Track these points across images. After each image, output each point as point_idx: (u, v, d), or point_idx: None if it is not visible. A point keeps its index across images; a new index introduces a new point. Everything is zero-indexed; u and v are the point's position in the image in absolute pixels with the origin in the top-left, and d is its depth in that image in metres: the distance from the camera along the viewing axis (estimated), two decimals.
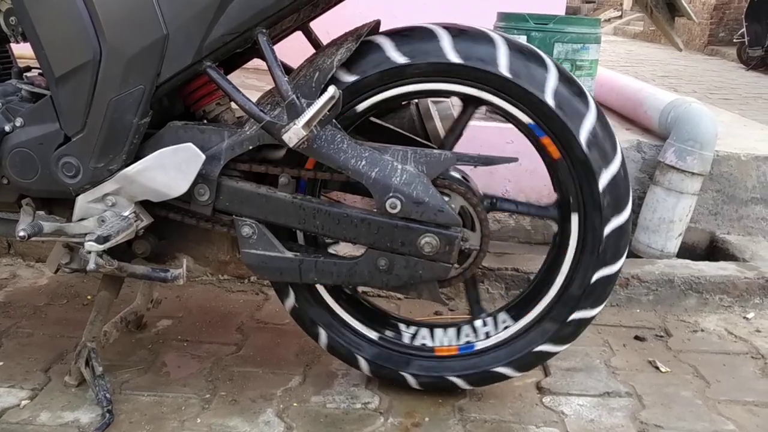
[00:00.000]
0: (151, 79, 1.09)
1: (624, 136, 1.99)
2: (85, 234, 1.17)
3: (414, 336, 1.31)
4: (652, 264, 1.78)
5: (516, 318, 1.26)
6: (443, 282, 1.18)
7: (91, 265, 1.11)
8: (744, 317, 1.70)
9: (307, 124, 1.04)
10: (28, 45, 1.14)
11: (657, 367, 1.47)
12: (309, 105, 1.06)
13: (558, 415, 1.28)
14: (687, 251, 1.97)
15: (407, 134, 1.31)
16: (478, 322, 1.28)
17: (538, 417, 1.28)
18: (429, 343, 1.30)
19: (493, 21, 2.05)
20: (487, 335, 1.28)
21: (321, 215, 1.14)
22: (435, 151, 1.14)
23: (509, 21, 1.95)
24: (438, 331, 1.31)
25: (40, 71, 1.23)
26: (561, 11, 2.41)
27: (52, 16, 1.09)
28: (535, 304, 1.25)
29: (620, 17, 15.03)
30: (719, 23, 9.52)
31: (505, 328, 1.27)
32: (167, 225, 1.22)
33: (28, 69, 1.28)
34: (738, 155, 1.93)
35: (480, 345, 1.28)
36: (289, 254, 1.17)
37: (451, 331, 1.30)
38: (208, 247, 1.26)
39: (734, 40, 8.10)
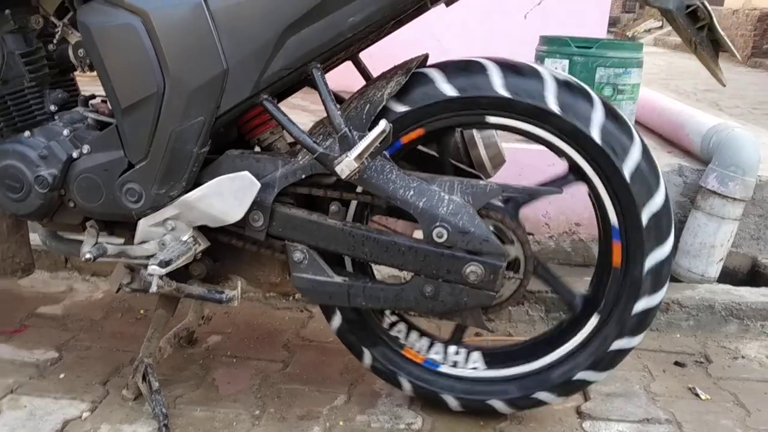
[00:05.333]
0: (211, 111, 1.15)
1: (665, 160, 2.00)
2: (146, 256, 1.24)
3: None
4: (692, 289, 1.79)
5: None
6: (487, 309, 1.22)
7: (153, 288, 1.18)
8: None
9: (359, 156, 1.09)
10: None
11: (697, 394, 1.48)
12: (361, 138, 1.10)
13: None
14: (728, 276, 1.97)
15: (452, 161, 1.35)
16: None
17: None
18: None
19: (535, 44, 2.09)
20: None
21: (369, 242, 1.18)
22: (481, 182, 1.17)
23: (551, 45, 1.98)
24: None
25: (104, 98, 1.30)
26: (602, 33, 2.44)
27: (120, 51, 1.15)
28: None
29: (660, 27, 14.83)
30: (763, 35, 9.35)
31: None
32: (222, 248, 1.28)
33: (93, 97, 1.35)
34: None
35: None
36: (338, 279, 1.22)
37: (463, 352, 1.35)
38: (260, 269, 1.32)
39: None
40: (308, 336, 1.66)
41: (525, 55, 1.97)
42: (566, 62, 1.93)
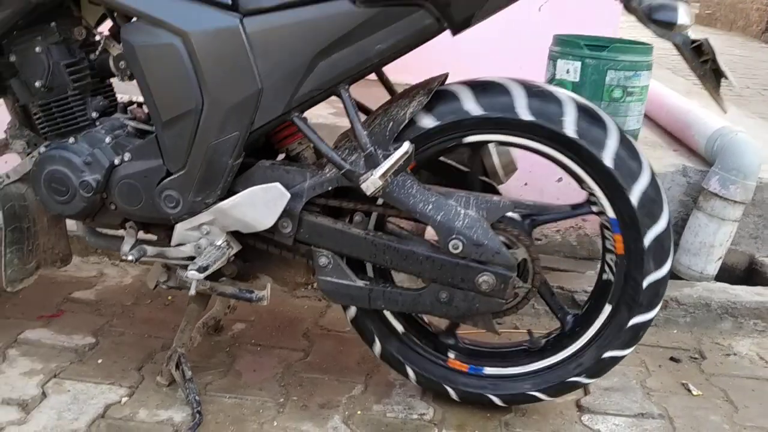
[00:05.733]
0: (245, 126, 1.24)
1: (670, 159, 2.08)
2: (183, 258, 1.34)
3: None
4: (691, 287, 1.89)
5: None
6: (497, 314, 1.32)
7: (192, 291, 1.28)
8: None
9: (383, 175, 1.18)
10: None
11: (689, 390, 1.59)
12: (385, 156, 1.19)
13: None
14: (727, 272, 2.06)
15: (467, 170, 1.44)
16: None
17: None
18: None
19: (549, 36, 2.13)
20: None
21: (390, 251, 1.28)
22: (495, 197, 1.26)
23: (564, 46, 2.04)
24: None
25: (140, 103, 1.39)
26: (615, 32, 2.49)
27: (161, 68, 1.24)
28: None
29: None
30: None
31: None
32: (252, 250, 1.38)
33: (131, 103, 1.44)
34: None
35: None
36: (360, 283, 1.31)
37: None
38: (287, 270, 1.42)
39: None
40: (326, 325, 1.77)
41: (541, 49, 2.06)
42: (578, 64, 1.99)
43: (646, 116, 2.49)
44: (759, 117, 3.37)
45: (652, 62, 2.05)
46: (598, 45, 1.97)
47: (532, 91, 1.25)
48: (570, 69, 1.99)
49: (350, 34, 1.16)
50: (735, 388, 1.61)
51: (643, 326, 1.33)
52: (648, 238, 1.26)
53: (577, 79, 1.98)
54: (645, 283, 1.28)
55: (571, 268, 2.04)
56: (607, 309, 1.33)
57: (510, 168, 1.47)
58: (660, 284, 1.29)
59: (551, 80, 2.05)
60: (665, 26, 1.08)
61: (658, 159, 2.09)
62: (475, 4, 1.13)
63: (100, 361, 1.56)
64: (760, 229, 2.06)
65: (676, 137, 2.35)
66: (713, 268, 1.97)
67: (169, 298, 1.85)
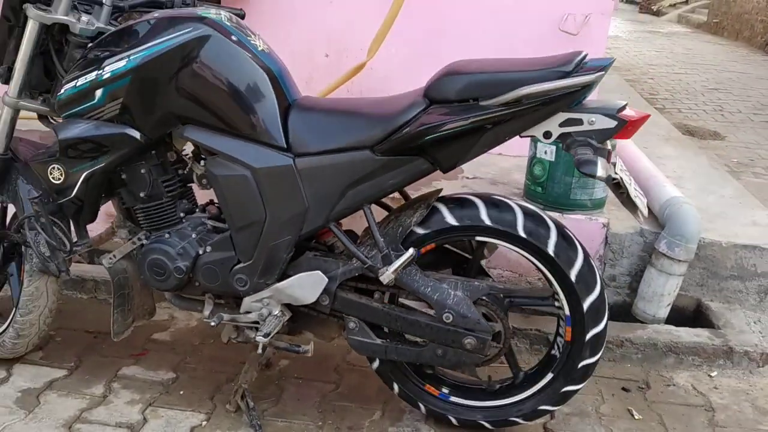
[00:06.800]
0: (296, 232, 1.73)
1: (631, 222, 2.53)
2: (249, 321, 1.84)
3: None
4: (643, 329, 2.35)
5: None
6: (477, 365, 1.80)
7: (260, 350, 1.78)
8: (708, 375, 2.26)
9: (395, 270, 1.66)
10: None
11: (632, 415, 2.05)
12: (397, 257, 1.68)
13: None
14: (678, 313, 2.51)
15: (457, 251, 1.91)
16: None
17: None
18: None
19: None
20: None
21: (400, 320, 1.76)
22: (475, 282, 1.75)
23: None
24: None
25: (217, 205, 1.89)
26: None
27: (236, 192, 1.73)
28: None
29: (686, 2, 14.93)
30: None
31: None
32: (299, 314, 1.87)
33: (210, 202, 1.93)
34: (720, 242, 2.46)
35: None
36: (379, 341, 1.80)
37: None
38: (323, 328, 1.91)
39: None
40: (352, 361, 2.26)
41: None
42: (554, 147, 2.44)
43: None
44: (724, 167, 3.80)
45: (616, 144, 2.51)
46: None
47: (528, 213, 1.72)
48: (547, 151, 2.46)
49: (371, 173, 1.65)
50: (669, 413, 2.07)
51: (572, 393, 1.82)
52: (588, 335, 1.73)
53: (553, 159, 2.45)
54: (580, 365, 1.77)
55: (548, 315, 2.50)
56: (549, 376, 1.82)
57: (491, 248, 1.94)
58: (590, 366, 1.78)
59: (533, 158, 2.52)
60: (587, 176, 1.55)
61: (622, 221, 2.55)
62: (458, 158, 1.61)
63: (181, 392, 2.06)
64: (705, 279, 2.52)
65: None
66: (664, 312, 2.43)
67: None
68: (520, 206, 1.73)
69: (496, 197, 1.75)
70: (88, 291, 2.57)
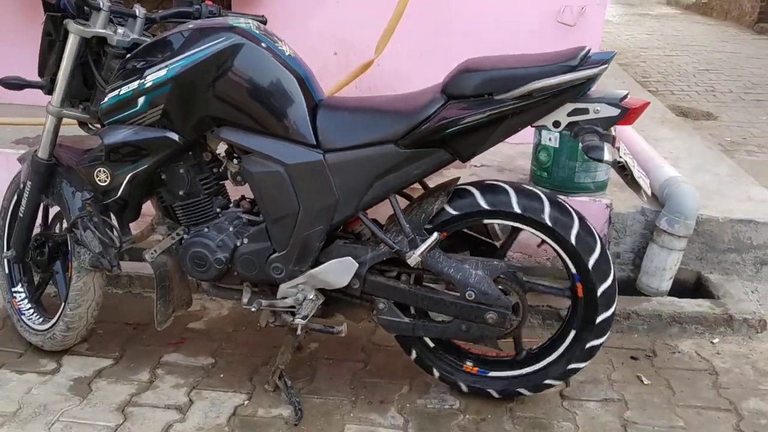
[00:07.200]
0: (328, 222, 1.87)
1: (633, 202, 2.68)
2: (285, 306, 1.99)
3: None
4: (647, 302, 2.51)
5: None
6: (499, 337, 1.96)
7: (299, 331, 1.93)
8: (711, 342, 2.42)
9: (421, 254, 1.81)
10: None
11: (642, 380, 2.21)
12: (422, 241, 1.82)
13: (572, 414, 2.05)
14: (680, 286, 2.67)
15: (475, 234, 2.06)
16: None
17: (560, 415, 2.05)
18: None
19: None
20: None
21: (427, 299, 1.91)
22: (494, 261, 1.90)
23: None
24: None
25: (248, 200, 2.03)
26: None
27: (271, 187, 1.87)
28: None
29: None
30: None
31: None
32: (331, 298, 2.02)
33: (243, 198, 2.08)
34: (717, 218, 2.62)
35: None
36: (407, 319, 1.96)
37: None
38: (354, 310, 2.06)
39: None
40: (377, 341, 2.41)
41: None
42: (558, 134, 2.58)
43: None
44: (718, 146, 3.96)
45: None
46: None
47: (523, 192, 1.87)
48: (551, 138, 2.60)
49: (396, 165, 1.80)
50: (675, 377, 2.23)
51: (575, 370, 1.98)
52: (600, 290, 1.89)
53: (557, 145, 2.60)
54: (587, 346, 1.94)
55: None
56: (555, 355, 2.00)
57: (505, 232, 2.09)
58: (596, 348, 1.95)
59: (538, 145, 2.67)
60: (596, 160, 1.70)
61: (625, 201, 2.70)
62: (476, 148, 1.76)
63: (222, 375, 2.21)
64: (704, 252, 2.67)
65: None
66: (666, 285, 2.59)
67: (259, 324, 2.49)
68: (549, 197, 1.87)
69: (525, 186, 1.90)
70: (123, 286, 2.71)
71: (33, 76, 2.08)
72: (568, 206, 1.88)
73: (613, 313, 1.91)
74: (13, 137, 3.15)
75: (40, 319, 2.31)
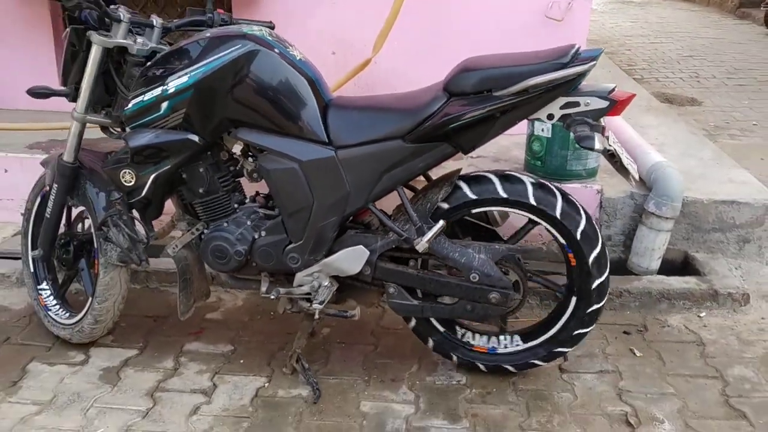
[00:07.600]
0: (340, 214, 2.02)
1: (623, 187, 2.84)
2: (302, 294, 2.13)
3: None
4: (638, 280, 2.67)
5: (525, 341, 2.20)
6: (502, 316, 2.11)
7: (317, 316, 2.07)
8: (698, 316, 2.58)
9: (428, 241, 1.96)
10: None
11: (634, 353, 2.37)
12: (428, 228, 1.97)
13: (570, 386, 2.21)
14: (669, 264, 2.83)
15: (477, 222, 2.21)
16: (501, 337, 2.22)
17: (559, 387, 2.20)
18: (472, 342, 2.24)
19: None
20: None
21: (433, 283, 2.06)
22: (495, 245, 2.05)
23: None
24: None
25: (263, 195, 2.17)
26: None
27: (287, 182, 2.01)
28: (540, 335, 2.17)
29: None
30: None
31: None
32: (344, 284, 2.16)
33: (257, 194, 2.21)
34: (702, 200, 2.78)
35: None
36: (415, 302, 2.10)
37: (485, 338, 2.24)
38: (366, 295, 2.20)
39: (762, 7, 8.46)
40: (386, 325, 2.56)
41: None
42: (550, 125, 2.74)
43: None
44: (702, 131, 4.12)
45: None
46: None
47: (537, 184, 2.01)
48: (544, 128, 2.75)
49: (403, 159, 1.94)
50: (665, 349, 2.39)
51: (581, 335, 2.13)
52: (591, 258, 2.04)
53: (549, 135, 2.75)
54: (589, 311, 2.09)
55: (555, 270, 2.81)
56: (557, 327, 2.14)
57: (503, 217, 2.24)
58: (598, 312, 2.10)
59: (531, 135, 2.82)
60: (587, 149, 1.85)
61: (614, 186, 2.86)
62: (477, 141, 1.91)
63: (242, 361, 2.35)
64: (690, 233, 2.84)
65: None
66: (655, 265, 2.75)
67: (272, 313, 2.64)
68: (560, 191, 2.02)
69: (508, 172, 2.05)
70: (141, 281, 2.84)
71: (33, 80, 2.23)
72: (551, 186, 2.02)
73: (608, 278, 2.06)
74: (26, 142, 3.26)
75: (67, 314, 2.43)
